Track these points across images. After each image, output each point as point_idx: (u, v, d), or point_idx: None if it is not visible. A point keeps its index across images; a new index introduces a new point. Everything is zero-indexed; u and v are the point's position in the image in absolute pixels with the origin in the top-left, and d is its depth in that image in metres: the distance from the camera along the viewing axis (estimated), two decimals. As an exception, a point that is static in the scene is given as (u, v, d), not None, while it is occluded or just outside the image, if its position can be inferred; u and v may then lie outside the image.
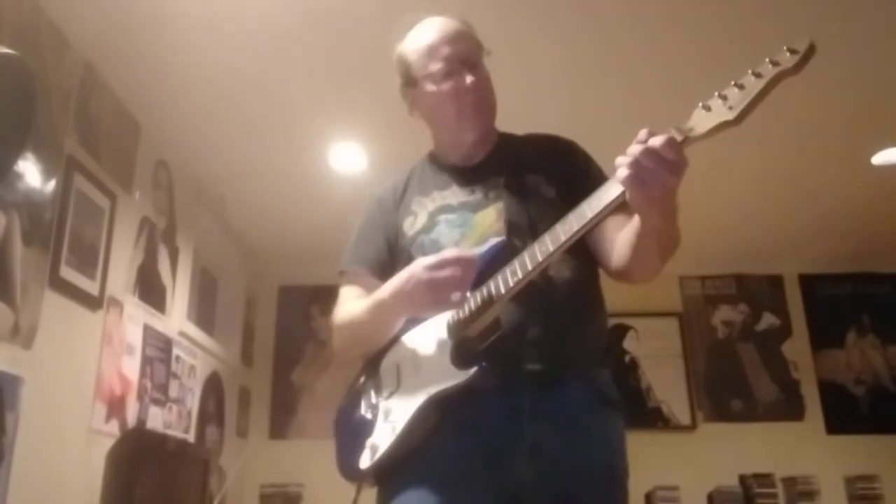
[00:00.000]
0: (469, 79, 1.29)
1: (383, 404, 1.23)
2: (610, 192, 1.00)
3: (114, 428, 2.49)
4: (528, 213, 1.24)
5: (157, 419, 2.88)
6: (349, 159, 3.17)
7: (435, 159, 1.43)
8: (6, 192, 1.95)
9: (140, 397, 2.72)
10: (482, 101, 1.33)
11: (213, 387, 3.64)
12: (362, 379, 1.33)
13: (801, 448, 4.15)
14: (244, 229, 3.98)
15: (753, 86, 0.90)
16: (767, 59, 0.90)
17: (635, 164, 0.94)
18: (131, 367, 2.67)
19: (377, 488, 1.24)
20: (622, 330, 4.47)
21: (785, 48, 0.90)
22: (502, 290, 1.10)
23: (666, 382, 4.35)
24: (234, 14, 2.29)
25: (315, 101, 2.78)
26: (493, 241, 1.19)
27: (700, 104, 0.95)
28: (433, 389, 1.13)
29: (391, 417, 1.20)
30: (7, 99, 1.95)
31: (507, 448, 1.14)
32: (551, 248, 1.05)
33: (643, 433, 4.22)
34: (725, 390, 4.35)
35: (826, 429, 4.25)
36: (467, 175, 1.34)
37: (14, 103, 1.98)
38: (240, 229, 3.98)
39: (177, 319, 3.14)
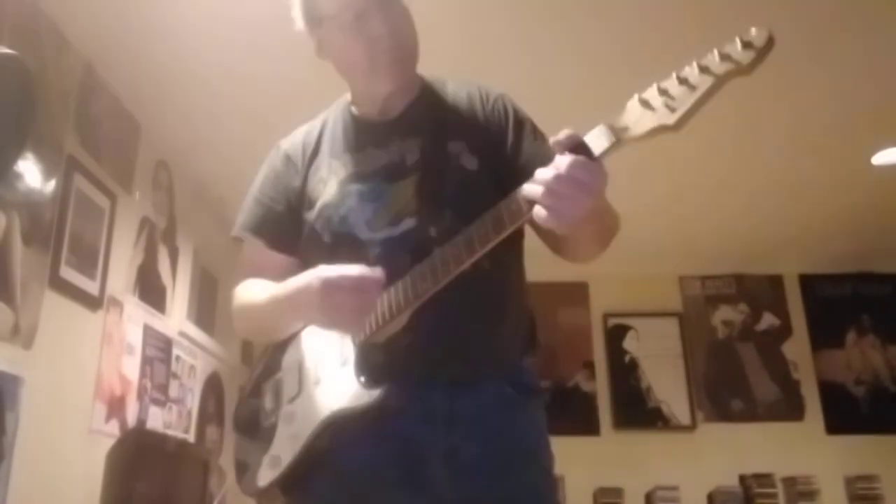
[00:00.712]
0: (381, 24, 1.13)
1: (284, 410, 1.13)
2: (535, 192, 0.92)
3: (114, 428, 2.49)
4: (447, 189, 1.11)
5: (157, 419, 2.88)
6: (349, 159, 3.16)
7: (351, 111, 1.27)
8: (6, 192, 1.95)
9: (140, 397, 2.72)
10: (397, 48, 1.16)
11: (213, 387, 3.63)
12: (263, 375, 1.22)
13: (801, 448, 4.15)
14: (244, 229, 3.97)
15: (699, 84, 0.79)
16: (717, 52, 0.78)
17: (550, 196, 0.87)
18: (131, 367, 2.67)
19: (286, 501, 1.14)
20: (622, 330, 4.47)
21: (738, 40, 0.77)
22: (410, 297, 1.01)
23: (666, 382, 4.35)
24: (235, 14, 2.29)
25: (315, 101, 2.76)
26: (407, 223, 1.09)
27: (636, 96, 0.84)
28: (335, 406, 1.04)
29: (291, 428, 1.10)
30: (7, 99, 1.95)
31: (422, 456, 1.05)
32: (464, 258, 0.97)
33: (643, 433, 4.24)
34: (725, 390, 4.35)
35: (826, 429, 4.25)
36: (384, 132, 1.19)
37: (14, 103, 1.98)
38: (240, 229, 3.98)
39: (177, 319, 3.14)
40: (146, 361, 2.79)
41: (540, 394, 1.18)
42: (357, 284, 0.99)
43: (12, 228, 1.97)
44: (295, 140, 1.29)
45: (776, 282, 4.58)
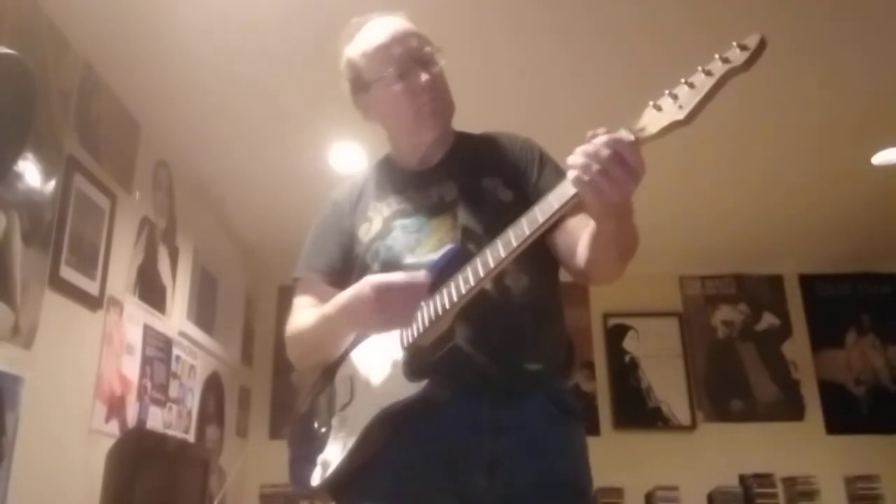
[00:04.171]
0: (424, 77, 1.25)
1: (336, 417, 1.20)
2: (564, 193, 0.97)
3: (114, 428, 2.49)
4: (484, 218, 1.20)
5: (157, 419, 2.88)
6: (349, 159, 3.17)
7: (391, 162, 1.38)
8: (6, 192, 1.95)
9: (140, 397, 2.73)
10: (439, 99, 1.28)
11: (213, 387, 3.64)
12: (317, 390, 1.29)
13: (801, 448, 4.15)
14: (244, 229, 3.98)
15: (703, 84, 0.88)
16: (717, 56, 0.88)
17: (593, 171, 0.91)
18: (131, 367, 2.67)
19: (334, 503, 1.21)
20: (622, 330, 4.47)
21: (734, 44, 0.87)
22: (454, 299, 1.06)
23: (666, 382, 4.35)
24: (234, 15, 2.29)
25: (315, 101, 2.78)
26: (448, 247, 1.15)
27: (651, 103, 0.93)
28: (385, 403, 1.10)
29: (343, 432, 1.17)
30: (7, 99, 1.95)
31: (466, 461, 1.10)
32: (503, 254, 1.02)
33: (643, 433, 4.24)
34: (725, 390, 4.35)
35: (826, 429, 4.25)
36: (424, 178, 1.30)
37: (14, 103, 1.98)
38: (240, 229, 3.98)
39: (177, 319, 3.14)
40: (146, 361, 2.79)
41: (581, 416, 1.22)
42: (406, 283, 1.08)
43: (12, 228, 1.97)
44: (342, 189, 1.40)
45: (776, 282, 4.58)
